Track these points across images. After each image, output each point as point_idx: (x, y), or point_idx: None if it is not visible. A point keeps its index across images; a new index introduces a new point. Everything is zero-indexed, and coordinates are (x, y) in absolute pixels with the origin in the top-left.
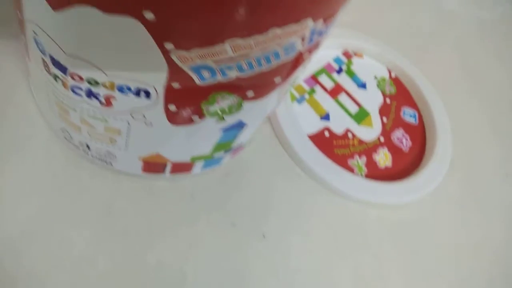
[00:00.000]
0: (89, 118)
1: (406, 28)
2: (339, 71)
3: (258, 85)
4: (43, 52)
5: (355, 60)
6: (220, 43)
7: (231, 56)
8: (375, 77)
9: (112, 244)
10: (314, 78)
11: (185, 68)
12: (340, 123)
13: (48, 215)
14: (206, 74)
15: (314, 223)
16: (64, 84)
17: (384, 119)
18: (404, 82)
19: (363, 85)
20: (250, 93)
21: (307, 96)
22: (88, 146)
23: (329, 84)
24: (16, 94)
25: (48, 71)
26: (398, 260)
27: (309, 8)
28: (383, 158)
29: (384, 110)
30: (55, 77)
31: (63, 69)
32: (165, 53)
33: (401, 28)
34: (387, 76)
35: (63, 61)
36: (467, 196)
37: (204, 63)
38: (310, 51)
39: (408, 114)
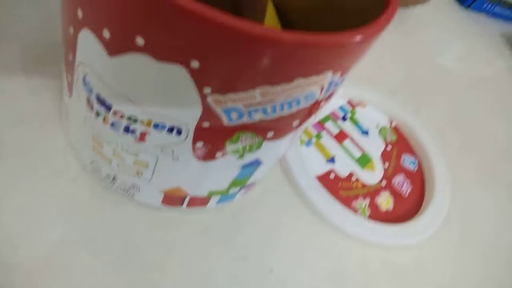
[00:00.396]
0: (121, 151)
1: (406, 81)
2: (344, 118)
3: (278, 127)
4: (90, 90)
5: (358, 109)
6: (251, 89)
7: (259, 101)
8: (377, 126)
9: (130, 274)
10: (321, 124)
11: (218, 110)
12: (344, 166)
13: (70, 243)
14: (234, 116)
15: (319, 260)
16: (104, 120)
17: (386, 164)
18: (404, 131)
19: (365, 132)
20: (270, 134)
21: (314, 140)
22: (114, 178)
23: (334, 130)
24: (47, 127)
25: (91, 108)
26: None
27: (330, 62)
28: (385, 201)
29: (385, 156)
30: (97, 113)
31: (107, 107)
32: (203, 96)
33: (401, 81)
34: (388, 125)
35: (108, 100)
36: (464, 241)
37: (234, 106)
38: (326, 99)
39: (408, 161)
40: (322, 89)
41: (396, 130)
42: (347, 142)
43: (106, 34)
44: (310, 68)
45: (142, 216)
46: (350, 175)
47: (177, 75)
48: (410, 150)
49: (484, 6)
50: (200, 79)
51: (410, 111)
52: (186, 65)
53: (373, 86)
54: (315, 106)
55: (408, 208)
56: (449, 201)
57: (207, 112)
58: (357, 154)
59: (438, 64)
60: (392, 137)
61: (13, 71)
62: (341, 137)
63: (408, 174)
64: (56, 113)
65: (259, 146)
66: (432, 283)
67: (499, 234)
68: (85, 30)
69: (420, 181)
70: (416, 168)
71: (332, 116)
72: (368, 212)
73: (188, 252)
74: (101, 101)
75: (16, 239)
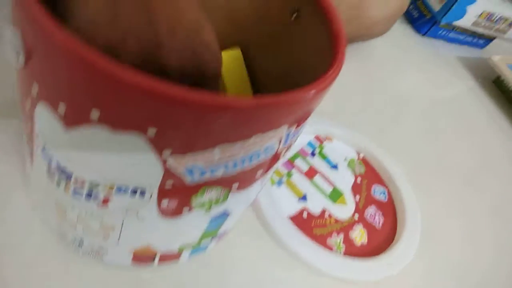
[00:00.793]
0: (86, 216)
1: (369, 112)
2: (313, 154)
3: (242, 179)
4: (49, 160)
5: (326, 143)
6: (211, 148)
7: (219, 158)
8: (345, 159)
9: None
10: (290, 162)
11: (179, 170)
12: (317, 203)
13: None
14: (196, 174)
15: None
16: (66, 188)
17: (357, 197)
18: (372, 162)
19: (335, 167)
20: (235, 186)
21: (285, 178)
22: (81, 241)
23: (304, 167)
24: (10, 192)
25: (52, 176)
26: None
27: (285, 118)
28: (359, 235)
29: (356, 189)
30: (58, 181)
31: (68, 175)
32: (163, 160)
33: (364, 113)
34: (355, 157)
35: (68, 168)
36: (436, 268)
37: (195, 165)
38: (286, 149)
39: (378, 192)
40: (280, 141)
41: (364, 161)
42: (317, 178)
43: (62, 107)
44: (266, 125)
45: (112, 277)
46: (323, 211)
47: (134, 143)
48: (379, 181)
49: (439, 32)
50: (158, 144)
51: (375, 142)
52: (143, 132)
53: (338, 119)
54: (276, 156)
55: (382, 240)
56: (420, 229)
57: (169, 173)
58: (328, 189)
59: (400, 92)
60: (360, 169)
61: None
62: (311, 173)
63: (379, 204)
64: (20, 177)
65: (225, 198)
66: None
67: (469, 259)
68: (41, 103)
69: (391, 211)
70: (386, 198)
71: (301, 153)
72: (343, 248)
73: None
74: (61, 170)
75: None
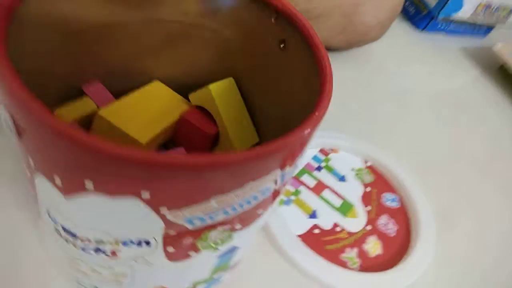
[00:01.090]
0: (97, 267)
1: (373, 118)
2: (319, 168)
3: (244, 219)
4: (55, 222)
5: (331, 156)
6: (206, 200)
7: (217, 207)
8: (352, 169)
9: None
10: (297, 179)
11: (179, 221)
12: (327, 219)
13: None
14: (197, 222)
15: None
16: (74, 245)
17: (368, 207)
18: (379, 169)
19: (342, 179)
20: (238, 226)
21: (293, 197)
22: None
23: (311, 183)
24: (25, 244)
25: (60, 235)
26: None
27: (277, 163)
28: (373, 246)
29: (366, 199)
30: (66, 240)
31: (74, 235)
32: (161, 215)
33: (368, 119)
34: (363, 166)
35: (73, 230)
36: (458, 271)
37: (194, 216)
38: (284, 184)
39: (389, 199)
40: (276, 182)
41: (372, 169)
42: (326, 193)
43: (57, 179)
44: (258, 173)
45: None
46: (334, 226)
47: (132, 205)
48: (389, 188)
49: (438, 26)
50: (153, 203)
51: (382, 147)
52: (138, 196)
53: (342, 129)
54: (275, 193)
55: (397, 248)
56: (434, 232)
57: (170, 224)
58: (338, 203)
59: (404, 90)
60: (369, 178)
61: None
62: (319, 188)
63: (392, 212)
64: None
65: (230, 237)
66: None
67: (490, 262)
68: (39, 175)
69: (404, 217)
70: (398, 205)
71: (307, 168)
72: (358, 262)
73: None
74: (67, 231)
75: None
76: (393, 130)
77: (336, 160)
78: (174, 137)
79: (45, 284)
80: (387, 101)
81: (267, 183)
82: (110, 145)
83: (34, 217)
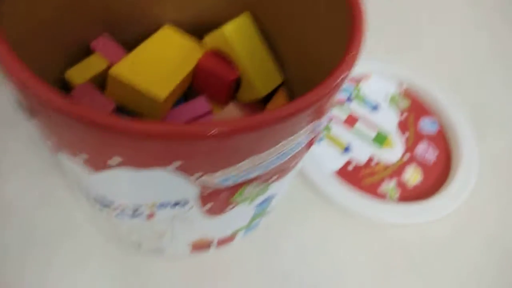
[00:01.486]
0: (136, 228)
1: (404, 36)
2: (350, 99)
3: (278, 172)
4: (86, 192)
5: (362, 84)
6: (240, 162)
7: (251, 165)
8: (386, 96)
9: None
10: None
11: (213, 182)
12: (362, 152)
13: None
14: (231, 181)
15: (360, 257)
16: (110, 212)
17: (405, 135)
18: (415, 92)
19: (375, 107)
20: (273, 178)
21: (324, 133)
22: (139, 244)
23: (343, 116)
24: (64, 205)
25: (94, 203)
26: (446, 276)
27: (313, 115)
28: (412, 175)
29: (402, 127)
30: (101, 209)
31: (108, 205)
32: (195, 179)
33: (399, 38)
34: (398, 90)
35: (105, 201)
36: (501, 197)
37: (228, 176)
38: (320, 132)
39: (426, 124)
40: (313, 131)
41: (407, 94)
42: (359, 125)
43: (82, 157)
44: (291, 131)
45: (175, 267)
46: (370, 159)
47: (163, 174)
48: (427, 112)
49: None
50: (186, 171)
51: (417, 68)
52: (169, 166)
53: (371, 54)
54: (310, 143)
55: (438, 175)
56: (477, 157)
57: (204, 186)
58: (372, 134)
59: (431, 5)
60: (404, 103)
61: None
62: (351, 121)
63: (430, 138)
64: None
65: (265, 189)
66: (479, 247)
67: None
68: (62, 154)
69: (443, 142)
70: (437, 129)
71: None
72: (397, 193)
73: (229, 283)
74: (99, 201)
75: None
76: (424, 47)
77: (368, 88)
78: (193, 85)
79: (86, 245)
80: (417, 13)
81: (300, 138)
82: (137, 124)
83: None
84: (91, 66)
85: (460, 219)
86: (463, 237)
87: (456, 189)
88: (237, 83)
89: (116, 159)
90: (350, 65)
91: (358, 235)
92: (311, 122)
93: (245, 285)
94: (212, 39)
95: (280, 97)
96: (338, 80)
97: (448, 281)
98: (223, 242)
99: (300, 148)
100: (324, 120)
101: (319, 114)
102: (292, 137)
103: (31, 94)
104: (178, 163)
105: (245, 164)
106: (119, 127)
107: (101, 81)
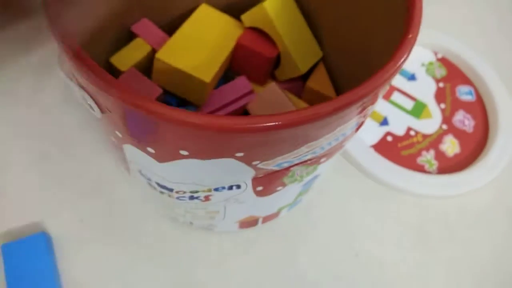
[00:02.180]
0: (191, 209)
1: (436, 5)
2: None
3: (329, 154)
4: (149, 180)
5: None
6: (297, 149)
7: (306, 150)
8: (423, 64)
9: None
10: None
11: (269, 167)
12: (400, 124)
13: (165, 274)
14: (285, 164)
15: (401, 230)
16: (169, 196)
17: (442, 105)
18: (452, 60)
19: (412, 77)
20: (323, 159)
21: None
22: (191, 223)
23: None
24: (119, 192)
25: (154, 189)
26: (484, 246)
27: (364, 105)
28: (450, 146)
29: (439, 96)
30: (161, 192)
31: (169, 190)
32: (253, 166)
33: (431, 7)
34: (434, 59)
35: (169, 185)
36: None
37: (284, 161)
38: (366, 117)
39: (464, 93)
40: (365, 115)
41: (444, 61)
42: (395, 96)
43: (151, 150)
44: (351, 117)
45: (224, 241)
46: (408, 130)
47: (226, 163)
48: (464, 80)
49: None
50: (247, 160)
51: (452, 36)
52: (232, 157)
53: None
54: (360, 126)
55: (476, 144)
56: None
57: (260, 171)
58: (410, 105)
59: None
60: (441, 72)
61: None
62: (387, 92)
63: (467, 106)
64: (120, 176)
65: (314, 170)
66: None
67: None
68: (128, 145)
69: (481, 110)
70: (474, 97)
71: None
72: (436, 164)
73: (276, 259)
74: (162, 186)
75: None
76: (461, 14)
77: None
78: (232, 64)
79: (141, 222)
80: None
81: (358, 119)
82: (207, 118)
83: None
84: (134, 52)
85: (498, 188)
86: (502, 206)
87: (494, 158)
88: (277, 61)
89: (183, 152)
90: (409, 48)
91: (396, 208)
92: (368, 106)
93: (289, 257)
94: (250, 17)
95: (320, 73)
96: (399, 64)
97: (486, 251)
98: (268, 218)
99: (352, 131)
100: (376, 103)
101: (375, 97)
102: (349, 122)
103: (110, 94)
104: (241, 154)
105: (301, 150)
106: (188, 120)
107: (144, 66)
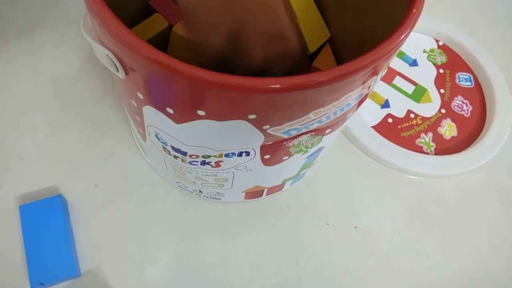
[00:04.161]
0: (202, 176)
1: None
2: None
3: (334, 124)
4: (164, 143)
5: None
6: (305, 115)
7: (313, 118)
8: (424, 51)
9: (237, 258)
10: None
11: (277, 134)
12: (400, 107)
13: (174, 239)
14: (293, 132)
15: (398, 206)
16: (183, 160)
17: (441, 90)
18: (453, 47)
19: (414, 62)
20: (328, 130)
21: None
22: (200, 191)
23: None
24: (131, 160)
25: (169, 153)
26: (482, 222)
27: (369, 74)
28: (448, 129)
29: (439, 82)
30: (175, 157)
31: (184, 153)
32: (263, 131)
33: None
34: (435, 46)
35: (183, 149)
36: None
37: (292, 128)
38: (370, 90)
39: (463, 79)
40: (369, 87)
41: (444, 49)
42: (397, 80)
43: (169, 110)
44: (357, 85)
45: (231, 210)
46: (408, 113)
47: (239, 125)
48: (464, 66)
49: None
50: (259, 123)
51: (454, 24)
52: (245, 119)
53: None
54: (365, 96)
55: (472, 128)
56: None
57: (269, 137)
58: (410, 89)
59: None
60: (442, 59)
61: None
62: (390, 76)
63: (466, 92)
64: (133, 144)
65: (319, 141)
66: (510, 196)
67: None
68: (148, 106)
69: (479, 96)
70: (473, 84)
71: None
72: (434, 146)
73: (278, 230)
74: (177, 150)
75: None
76: (465, 0)
77: (406, 43)
78: None
79: (152, 189)
80: None
81: (362, 89)
82: (220, 76)
83: (137, 136)
84: (152, 26)
85: (491, 171)
86: (494, 187)
87: (489, 142)
88: None
89: (200, 112)
90: (414, 22)
91: (395, 186)
92: (373, 76)
93: (291, 228)
94: None
95: (326, 54)
96: (404, 34)
97: (478, 227)
98: (273, 190)
99: (356, 102)
100: (380, 75)
101: (379, 68)
102: (355, 91)
103: (136, 52)
104: (253, 116)
105: (309, 117)
106: (206, 80)
107: (161, 41)
